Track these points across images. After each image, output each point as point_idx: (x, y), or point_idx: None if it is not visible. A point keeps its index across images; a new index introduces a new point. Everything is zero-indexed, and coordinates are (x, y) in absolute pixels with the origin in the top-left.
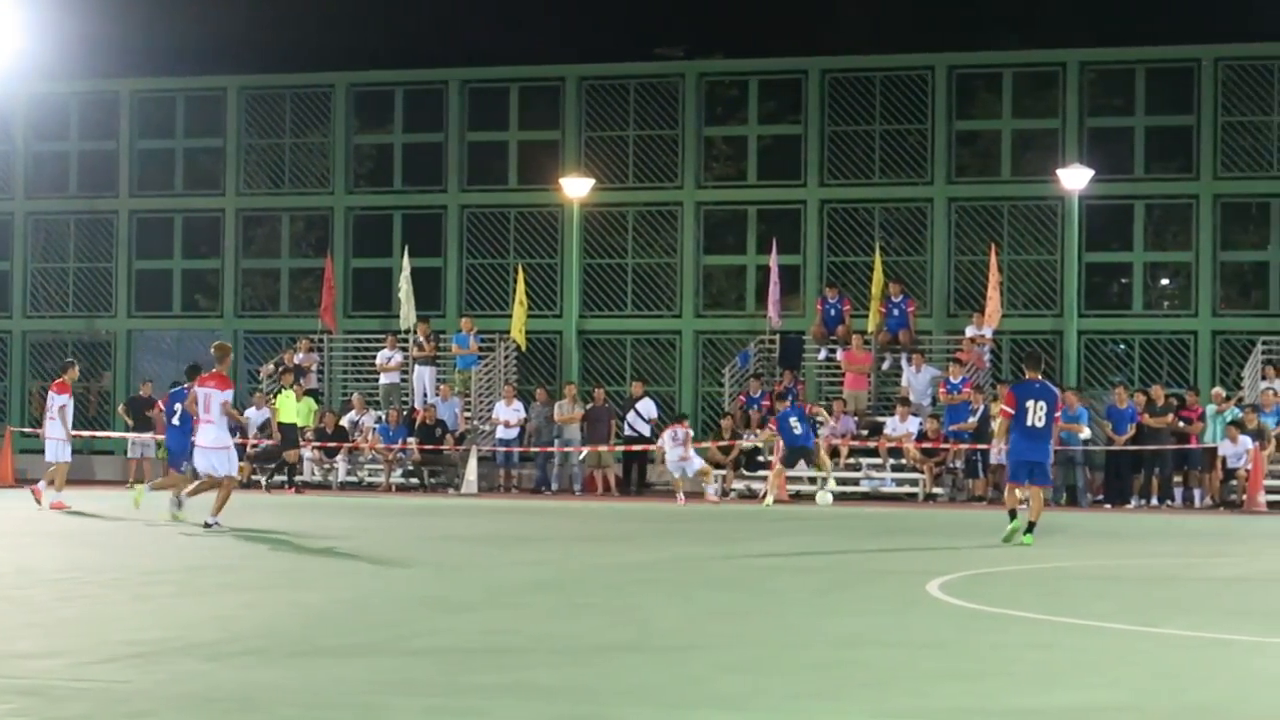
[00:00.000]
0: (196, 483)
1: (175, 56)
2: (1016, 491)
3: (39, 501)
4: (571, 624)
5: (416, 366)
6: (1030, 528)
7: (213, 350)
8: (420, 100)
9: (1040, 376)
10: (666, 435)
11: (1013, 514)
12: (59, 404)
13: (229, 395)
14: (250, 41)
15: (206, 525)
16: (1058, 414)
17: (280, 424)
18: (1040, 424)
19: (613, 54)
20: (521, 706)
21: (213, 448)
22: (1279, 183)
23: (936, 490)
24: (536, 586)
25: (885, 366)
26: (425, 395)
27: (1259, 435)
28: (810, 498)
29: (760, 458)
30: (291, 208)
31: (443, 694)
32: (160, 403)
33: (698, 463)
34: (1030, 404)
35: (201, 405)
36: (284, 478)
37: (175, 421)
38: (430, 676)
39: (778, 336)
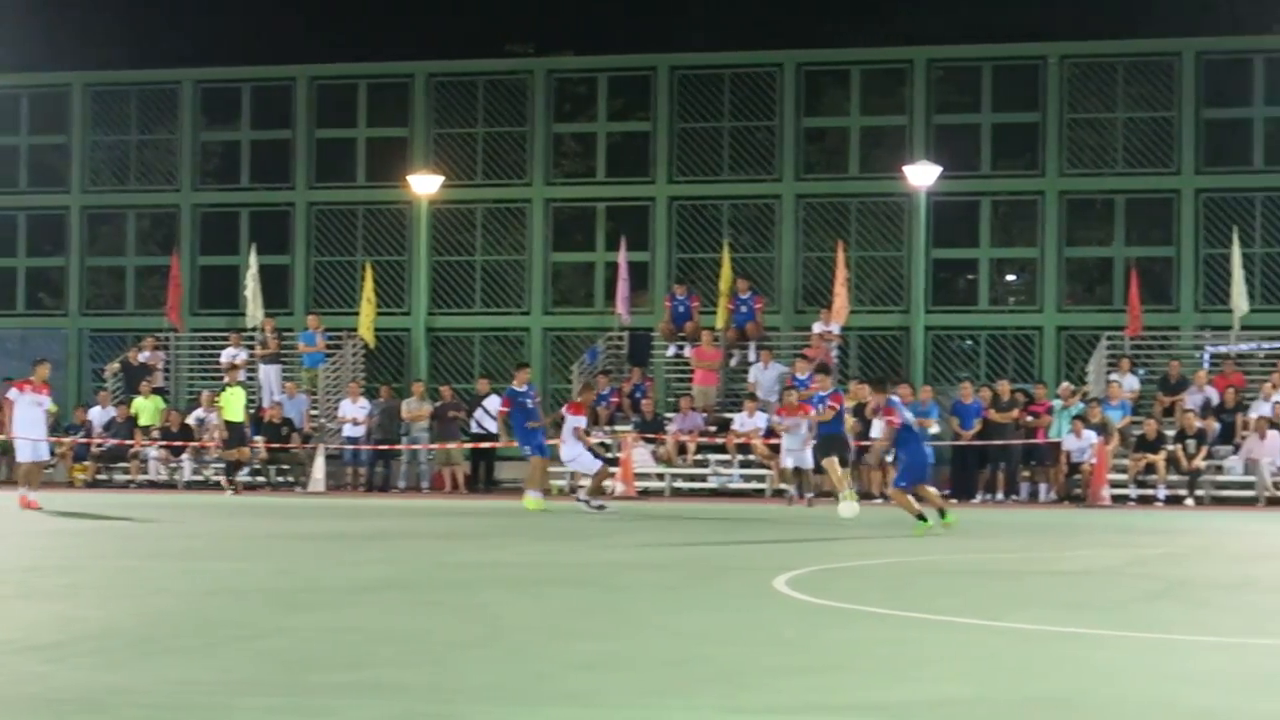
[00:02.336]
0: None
1: (19, 52)
2: (908, 495)
3: None
4: (419, 622)
5: (262, 365)
6: (943, 513)
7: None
8: (268, 97)
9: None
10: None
11: (922, 516)
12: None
13: (581, 420)
14: (95, 38)
15: (589, 505)
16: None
17: (227, 422)
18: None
19: (462, 51)
20: (369, 705)
21: (571, 460)
22: (1123, 179)
23: (783, 486)
24: (384, 584)
25: (733, 363)
26: (271, 393)
27: (1103, 429)
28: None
29: (609, 454)
30: (138, 205)
31: (289, 693)
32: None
33: None
34: (911, 414)
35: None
36: (239, 477)
37: None
38: (276, 676)
39: (626, 333)
